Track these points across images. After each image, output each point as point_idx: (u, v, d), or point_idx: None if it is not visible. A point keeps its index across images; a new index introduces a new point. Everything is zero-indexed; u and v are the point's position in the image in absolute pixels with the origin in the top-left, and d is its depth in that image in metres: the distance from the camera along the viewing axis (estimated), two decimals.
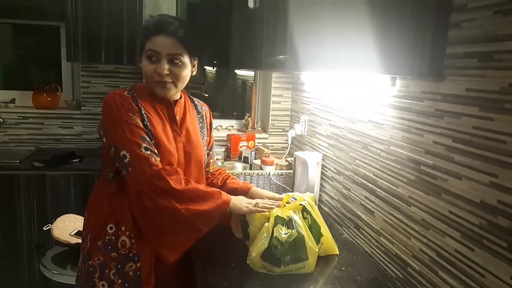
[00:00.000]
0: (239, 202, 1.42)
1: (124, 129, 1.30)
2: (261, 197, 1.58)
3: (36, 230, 2.55)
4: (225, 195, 1.38)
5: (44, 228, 2.08)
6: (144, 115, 1.36)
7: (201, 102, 1.64)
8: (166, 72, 1.34)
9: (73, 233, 1.98)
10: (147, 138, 1.32)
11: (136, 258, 1.37)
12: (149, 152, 1.30)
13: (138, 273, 1.37)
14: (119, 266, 1.37)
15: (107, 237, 1.38)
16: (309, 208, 1.50)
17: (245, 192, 1.61)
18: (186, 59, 1.37)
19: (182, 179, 1.33)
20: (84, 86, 3.04)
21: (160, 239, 1.35)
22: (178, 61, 1.35)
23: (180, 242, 1.36)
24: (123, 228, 1.37)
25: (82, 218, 2.13)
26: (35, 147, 2.96)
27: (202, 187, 1.39)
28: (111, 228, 1.38)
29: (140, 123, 1.33)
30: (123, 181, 1.35)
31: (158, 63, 1.34)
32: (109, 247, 1.37)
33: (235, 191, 1.61)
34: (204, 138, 1.57)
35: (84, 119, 3.07)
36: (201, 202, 1.32)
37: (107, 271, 1.37)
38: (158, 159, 1.32)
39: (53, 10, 2.89)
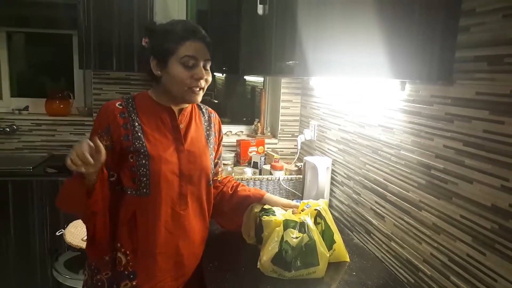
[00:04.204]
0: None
1: None
2: (276, 204, 1.57)
3: (48, 235, 2.59)
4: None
5: (57, 234, 2.11)
6: (138, 126, 1.33)
7: (209, 108, 1.60)
8: (205, 77, 1.34)
9: (85, 238, 2.00)
10: None
11: (132, 276, 1.34)
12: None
13: None
14: (114, 285, 1.34)
15: (114, 252, 1.35)
16: (323, 214, 1.50)
17: (258, 199, 1.59)
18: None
19: None
20: (96, 93, 3.08)
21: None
22: (208, 67, 1.37)
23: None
24: (118, 245, 1.34)
25: None
26: (48, 153, 3.01)
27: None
28: (118, 244, 1.35)
29: (104, 143, 1.25)
30: (115, 194, 1.34)
31: (194, 69, 1.32)
32: (117, 262, 1.34)
33: (247, 199, 1.60)
34: (211, 146, 1.52)
35: None
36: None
37: (114, 286, 1.34)
38: None
39: (65, 19, 2.94)
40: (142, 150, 1.32)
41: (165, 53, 1.32)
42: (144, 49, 1.40)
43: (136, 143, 1.32)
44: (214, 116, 1.59)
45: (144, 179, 1.31)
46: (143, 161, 1.31)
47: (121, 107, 1.35)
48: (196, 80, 1.32)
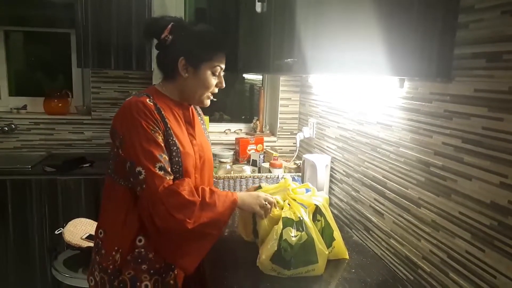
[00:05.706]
0: (249, 199, 1.41)
1: (143, 145, 1.24)
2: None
3: (47, 234, 2.59)
4: (231, 195, 1.36)
5: (56, 232, 2.10)
6: (167, 122, 1.31)
7: None
8: None
9: (84, 236, 2.01)
10: (164, 156, 1.27)
11: (173, 267, 1.40)
12: (163, 173, 1.25)
13: (176, 280, 1.40)
14: (164, 275, 1.37)
15: (136, 250, 1.33)
16: (323, 211, 1.50)
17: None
18: None
19: (193, 190, 1.30)
20: (94, 92, 3.08)
21: (175, 252, 1.33)
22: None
23: (196, 251, 1.33)
24: (139, 242, 1.34)
25: (93, 222, 2.16)
26: (46, 152, 3.00)
27: (209, 191, 1.34)
28: (140, 241, 1.33)
29: (160, 138, 1.28)
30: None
31: (218, 77, 1.38)
32: (139, 260, 1.33)
33: None
34: (209, 138, 1.56)
35: (94, 124, 3.11)
36: (211, 210, 1.29)
37: (138, 283, 1.34)
38: (172, 177, 1.29)
39: (63, 17, 2.93)
40: (175, 148, 1.32)
41: (200, 59, 1.34)
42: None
43: (170, 140, 1.32)
44: (199, 108, 1.61)
45: (178, 175, 1.32)
46: (176, 159, 1.32)
47: (151, 103, 1.30)
48: (216, 88, 1.40)
